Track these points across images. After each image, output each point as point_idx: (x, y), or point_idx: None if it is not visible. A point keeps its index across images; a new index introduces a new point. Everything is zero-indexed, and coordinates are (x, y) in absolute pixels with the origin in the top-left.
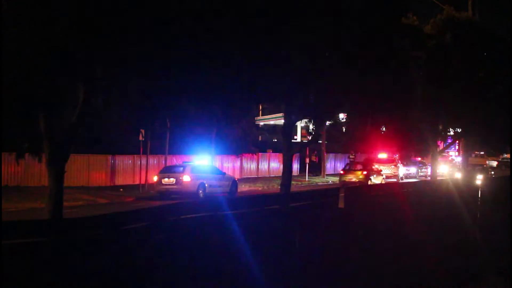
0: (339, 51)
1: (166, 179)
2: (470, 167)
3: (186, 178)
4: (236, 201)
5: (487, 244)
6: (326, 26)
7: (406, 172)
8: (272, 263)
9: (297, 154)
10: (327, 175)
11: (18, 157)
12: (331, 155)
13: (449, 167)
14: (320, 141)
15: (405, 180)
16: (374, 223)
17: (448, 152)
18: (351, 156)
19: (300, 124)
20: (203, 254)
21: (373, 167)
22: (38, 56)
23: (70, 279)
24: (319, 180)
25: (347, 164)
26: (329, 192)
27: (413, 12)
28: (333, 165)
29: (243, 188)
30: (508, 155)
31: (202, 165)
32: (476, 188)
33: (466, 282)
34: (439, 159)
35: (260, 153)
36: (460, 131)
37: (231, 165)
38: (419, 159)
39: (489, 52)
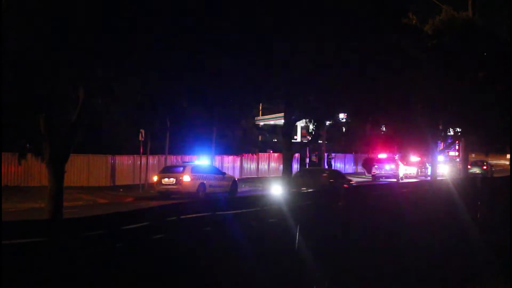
0: (339, 51)
1: (166, 179)
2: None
3: (186, 178)
4: (236, 201)
5: (487, 244)
6: (326, 26)
7: (406, 172)
8: (272, 264)
9: (297, 154)
10: None
11: (20, 157)
12: (332, 155)
13: (449, 167)
14: (320, 141)
15: (405, 180)
16: (374, 223)
17: (448, 152)
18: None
19: (300, 124)
20: (203, 254)
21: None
22: (38, 56)
23: (70, 279)
24: None
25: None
26: (329, 192)
27: (413, 12)
28: (333, 165)
29: (243, 188)
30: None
31: (202, 165)
32: (477, 188)
33: (466, 282)
34: (444, 159)
35: (260, 153)
36: (460, 131)
37: (231, 165)
38: (419, 159)
39: (489, 52)
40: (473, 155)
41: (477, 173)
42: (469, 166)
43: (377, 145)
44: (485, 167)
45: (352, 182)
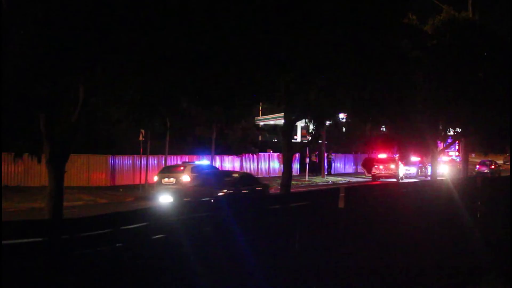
0: (339, 51)
1: (166, 179)
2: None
3: (186, 178)
4: (236, 201)
5: (487, 244)
6: (326, 26)
7: (406, 172)
8: (271, 263)
9: (297, 154)
10: (327, 175)
11: (16, 157)
12: (331, 155)
13: (449, 167)
14: (320, 141)
15: (405, 180)
16: (373, 223)
17: (448, 152)
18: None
19: (300, 124)
20: (203, 254)
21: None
22: (38, 56)
23: (70, 279)
24: (319, 180)
25: None
26: (329, 192)
27: (413, 12)
28: (333, 165)
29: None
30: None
31: (202, 165)
32: (477, 188)
33: (466, 282)
34: (442, 159)
35: (260, 153)
36: (460, 131)
37: (231, 165)
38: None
39: (489, 52)
40: (473, 155)
41: (486, 172)
42: (478, 166)
43: (377, 145)
44: (493, 167)
45: (271, 189)
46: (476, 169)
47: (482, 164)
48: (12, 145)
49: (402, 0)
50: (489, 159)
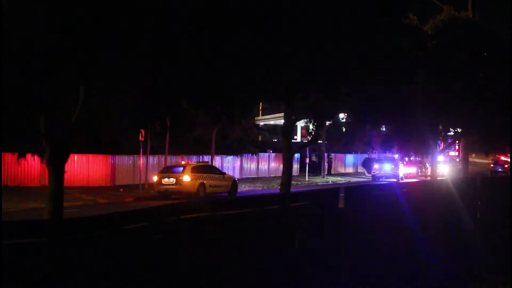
0: (338, 51)
1: (166, 179)
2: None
3: (186, 178)
4: (236, 201)
5: (487, 244)
6: (326, 26)
7: (406, 172)
8: (272, 264)
9: (297, 154)
10: (327, 175)
11: (19, 157)
12: (331, 155)
13: (449, 167)
14: (320, 141)
15: (405, 180)
16: (373, 223)
17: (448, 152)
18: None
19: (300, 124)
20: (203, 254)
21: None
22: (38, 56)
23: (70, 279)
24: (319, 180)
25: None
26: (329, 192)
27: (413, 12)
28: (334, 165)
29: (243, 188)
30: None
31: (202, 165)
32: (477, 188)
33: (466, 282)
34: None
35: (260, 153)
36: (460, 131)
37: (231, 165)
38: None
39: (489, 52)
40: (473, 155)
41: (500, 171)
42: (491, 165)
43: (377, 145)
44: (506, 166)
45: None
46: (491, 167)
47: (495, 163)
48: (13, 145)
49: (402, 0)
50: (504, 159)
